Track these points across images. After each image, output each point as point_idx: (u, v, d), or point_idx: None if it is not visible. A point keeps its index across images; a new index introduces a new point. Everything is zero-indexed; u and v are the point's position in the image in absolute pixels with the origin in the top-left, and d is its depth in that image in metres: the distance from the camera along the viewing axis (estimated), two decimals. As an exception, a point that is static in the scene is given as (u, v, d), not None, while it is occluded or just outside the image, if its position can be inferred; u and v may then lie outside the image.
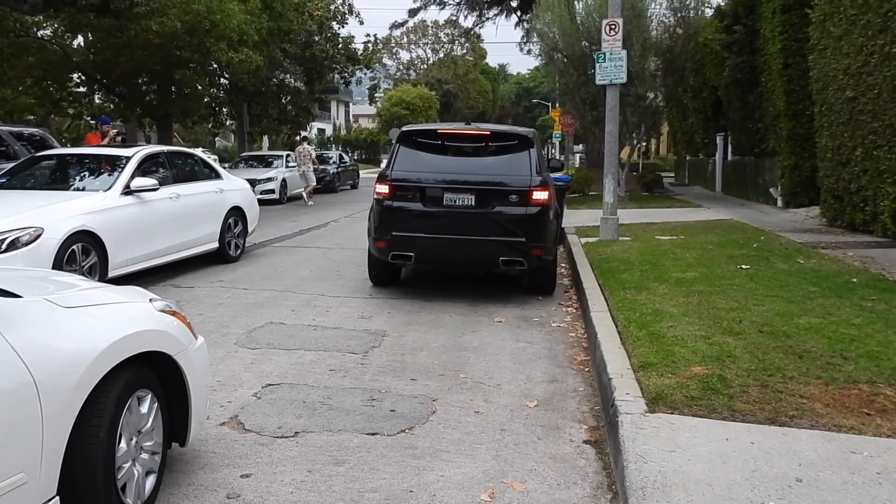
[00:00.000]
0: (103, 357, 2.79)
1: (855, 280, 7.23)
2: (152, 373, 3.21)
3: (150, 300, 3.45)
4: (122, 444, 2.92)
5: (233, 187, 10.71)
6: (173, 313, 3.47)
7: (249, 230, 10.97)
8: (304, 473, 3.56)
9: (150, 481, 3.17)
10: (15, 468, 2.40)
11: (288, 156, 24.46)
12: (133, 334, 3.01)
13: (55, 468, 2.58)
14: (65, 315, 2.82)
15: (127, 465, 2.96)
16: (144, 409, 3.13)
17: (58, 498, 2.60)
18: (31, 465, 2.47)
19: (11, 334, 2.49)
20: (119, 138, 13.86)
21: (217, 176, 10.58)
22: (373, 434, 4.05)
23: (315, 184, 22.60)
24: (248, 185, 11.45)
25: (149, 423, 3.16)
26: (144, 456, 3.14)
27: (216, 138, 50.40)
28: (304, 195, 21.46)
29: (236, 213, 10.49)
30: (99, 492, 2.76)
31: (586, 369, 5.37)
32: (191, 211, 9.35)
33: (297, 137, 30.44)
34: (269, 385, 4.86)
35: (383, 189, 7.69)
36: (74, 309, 2.91)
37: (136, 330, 3.06)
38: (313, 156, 23.16)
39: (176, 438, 3.48)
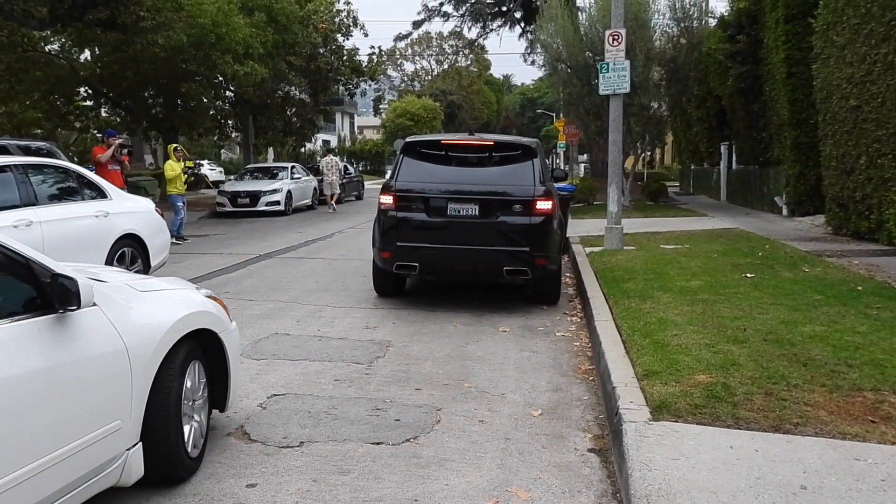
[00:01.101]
0: (171, 331, 3.46)
1: (860, 288, 7.23)
2: (200, 348, 3.83)
3: (197, 288, 4.12)
4: (183, 404, 3.56)
5: (125, 209, 8.49)
6: (215, 299, 4.13)
7: (153, 263, 8.77)
8: (309, 483, 3.57)
9: (200, 441, 3.79)
10: (114, 416, 3.07)
11: (293, 167, 24.54)
12: (190, 314, 3.69)
13: (139, 419, 3.24)
14: (141, 297, 3.50)
15: (186, 423, 3.60)
16: (196, 377, 3.80)
17: (141, 444, 3.26)
18: (124, 414, 3.13)
19: (109, 310, 3.15)
20: (124, 151, 13.91)
21: (101, 195, 8.32)
22: (378, 443, 4.06)
23: (338, 192, 24.56)
24: (151, 206, 9.20)
25: (200, 391, 3.85)
26: (196, 417, 3.76)
27: (222, 150, 50.64)
28: (331, 203, 23.58)
29: (131, 242, 8.40)
30: (170, 440, 3.42)
31: (591, 378, 5.37)
32: (53, 242, 7.08)
33: (316, 149, 31.31)
34: (275, 395, 4.88)
35: (387, 200, 7.72)
36: (147, 293, 3.59)
37: (192, 311, 3.73)
38: (340, 166, 25.64)
39: (216, 406, 4.11)
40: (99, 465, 3.00)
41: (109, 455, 3.06)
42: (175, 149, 16.23)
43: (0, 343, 2.58)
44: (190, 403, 3.69)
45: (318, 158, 37.70)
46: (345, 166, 31.13)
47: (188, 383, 3.65)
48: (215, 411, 4.17)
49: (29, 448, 2.60)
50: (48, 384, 2.72)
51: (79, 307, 2.90)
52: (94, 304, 3.04)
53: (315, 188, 25.17)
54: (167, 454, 3.43)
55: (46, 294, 2.85)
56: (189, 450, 3.61)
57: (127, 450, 3.17)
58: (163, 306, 3.57)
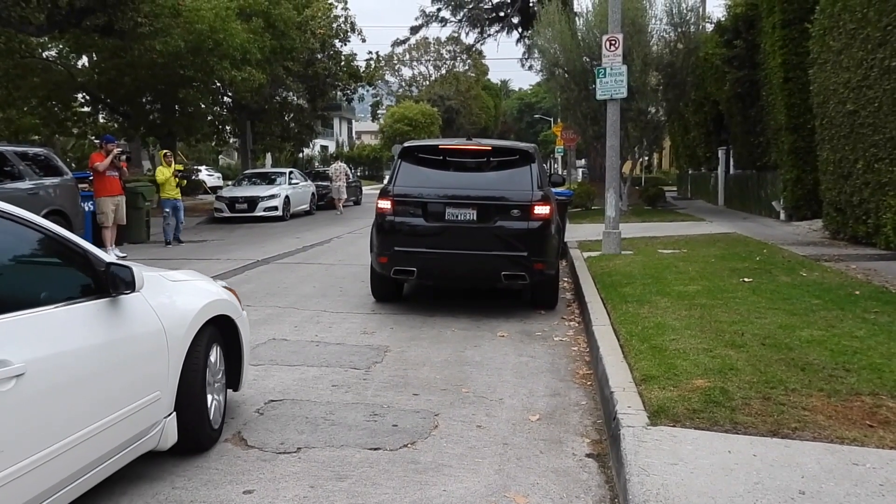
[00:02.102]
0: (198, 316, 3.96)
1: (857, 292, 7.23)
2: (219, 333, 4.29)
3: (214, 279, 4.63)
4: (208, 380, 4.06)
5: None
6: (229, 289, 4.59)
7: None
8: (306, 489, 3.56)
9: (220, 416, 4.26)
10: (155, 388, 3.56)
11: (291, 173, 24.56)
12: (212, 302, 4.17)
13: (173, 392, 3.72)
14: (172, 286, 3.98)
15: (209, 397, 4.08)
16: (216, 358, 4.25)
17: (175, 413, 3.74)
18: (162, 386, 3.62)
19: (149, 297, 3.63)
20: (123, 157, 13.91)
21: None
22: (375, 449, 4.05)
23: (345, 196, 26.32)
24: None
25: (219, 371, 4.32)
26: (216, 395, 4.21)
27: (220, 156, 50.67)
28: (339, 206, 25.28)
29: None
30: (198, 412, 3.92)
31: (588, 383, 5.37)
32: None
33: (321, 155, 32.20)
34: (272, 401, 4.87)
35: (385, 204, 7.71)
36: (176, 283, 4.06)
37: (213, 299, 4.21)
38: (348, 172, 27.84)
39: (230, 385, 4.56)
40: (144, 429, 3.51)
41: (151, 421, 3.57)
42: (165, 154, 16.31)
43: (68, 321, 3.08)
44: (212, 381, 4.16)
45: (317, 163, 37.78)
46: (325, 172, 31.25)
47: (211, 363, 4.15)
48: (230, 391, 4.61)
49: (97, 409, 3.11)
50: (107, 356, 3.25)
51: (134, 291, 3.42)
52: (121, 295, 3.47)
53: (313, 193, 25.19)
54: (195, 424, 3.92)
55: (101, 281, 3.33)
56: (212, 422, 4.10)
57: (164, 418, 3.67)
58: (190, 295, 4.08)
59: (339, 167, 26.58)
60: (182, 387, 3.78)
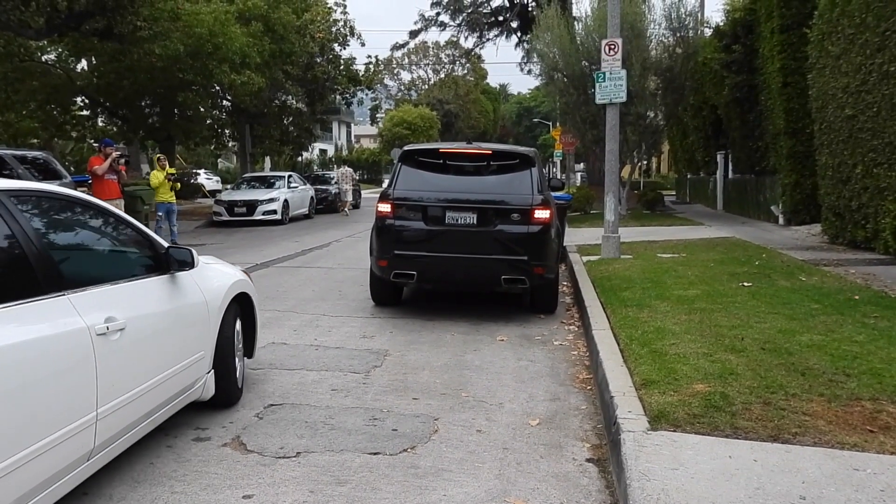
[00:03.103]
0: (228, 292, 4.80)
1: (857, 297, 7.23)
2: (240, 308, 5.10)
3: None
4: (235, 345, 4.93)
5: None
6: (245, 272, 5.42)
7: None
8: (306, 494, 3.54)
9: (241, 379, 5.05)
10: (200, 348, 4.39)
11: (290, 177, 24.57)
12: (236, 281, 5.02)
13: (212, 353, 4.56)
14: (207, 268, 4.78)
15: (236, 360, 4.91)
16: (239, 329, 5.09)
17: (213, 371, 4.59)
18: (205, 347, 4.47)
19: (193, 275, 4.45)
20: (122, 161, 13.92)
21: None
22: (375, 454, 4.04)
23: (351, 199, 27.61)
24: None
25: (240, 340, 5.10)
26: (238, 362, 4.97)
27: (219, 160, 50.67)
28: (345, 209, 26.62)
29: None
30: (229, 370, 4.77)
31: (588, 387, 5.36)
32: None
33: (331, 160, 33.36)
34: (272, 405, 4.86)
35: (385, 208, 7.71)
36: (209, 265, 4.87)
37: (238, 279, 5.07)
38: (354, 176, 29.65)
39: (246, 354, 5.30)
40: (192, 381, 4.33)
41: (197, 375, 4.39)
42: (158, 158, 16.36)
43: (145, 290, 3.96)
44: (237, 347, 4.98)
45: (315, 167, 37.77)
46: (331, 177, 31.29)
47: (236, 331, 4.96)
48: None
49: (167, 360, 3.97)
50: (172, 319, 4.09)
51: (193, 268, 4.32)
52: (177, 272, 4.31)
53: (312, 197, 25.20)
54: (227, 381, 4.76)
55: (161, 261, 4.20)
56: (237, 381, 4.91)
57: (206, 374, 4.51)
58: (221, 275, 4.94)
59: (345, 171, 28.31)
60: (217, 350, 4.63)
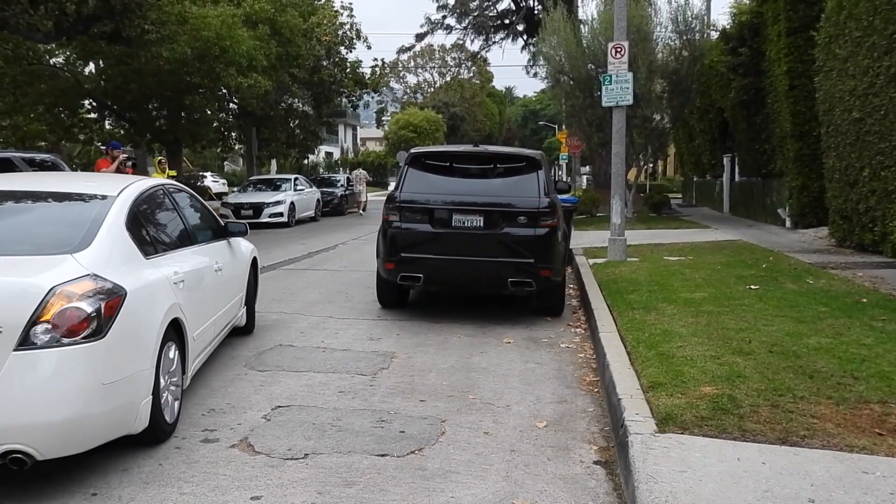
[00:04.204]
0: (250, 255, 7.00)
1: (865, 300, 7.21)
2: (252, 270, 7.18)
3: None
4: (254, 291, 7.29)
5: None
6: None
7: None
8: (314, 495, 3.56)
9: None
10: (241, 290, 6.54)
11: (296, 179, 24.61)
12: (252, 248, 7.20)
13: (244, 296, 6.66)
14: (235, 244, 6.57)
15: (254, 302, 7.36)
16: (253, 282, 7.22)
17: (245, 308, 6.75)
18: (242, 290, 6.60)
19: (233, 243, 6.49)
20: (129, 163, 13.97)
21: None
22: (382, 455, 4.05)
23: (365, 200, 29.41)
24: None
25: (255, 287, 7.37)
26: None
27: (225, 162, 50.76)
28: (361, 209, 28.56)
29: None
30: (252, 308, 7.09)
31: (595, 390, 5.36)
32: None
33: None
34: (279, 407, 4.87)
35: (392, 210, 7.72)
36: (235, 240, 6.60)
37: (252, 247, 7.20)
38: (367, 178, 31.88)
39: (252, 299, 7.23)
40: (235, 313, 6.40)
41: (238, 309, 6.52)
42: (159, 161, 16.44)
43: (220, 248, 6.05)
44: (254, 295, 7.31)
45: (321, 170, 37.92)
46: (347, 178, 31.33)
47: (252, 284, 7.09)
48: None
49: (231, 294, 6.16)
50: (230, 268, 6.12)
51: (245, 236, 6.68)
52: (232, 238, 6.51)
53: (318, 200, 25.21)
54: (251, 316, 7.06)
55: (223, 231, 6.34)
56: (254, 318, 7.20)
57: (242, 307, 6.66)
58: (244, 245, 6.96)
59: (359, 173, 30.56)
60: (247, 293, 6.80)
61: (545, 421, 4.66)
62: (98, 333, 3.59)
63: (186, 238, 5.38)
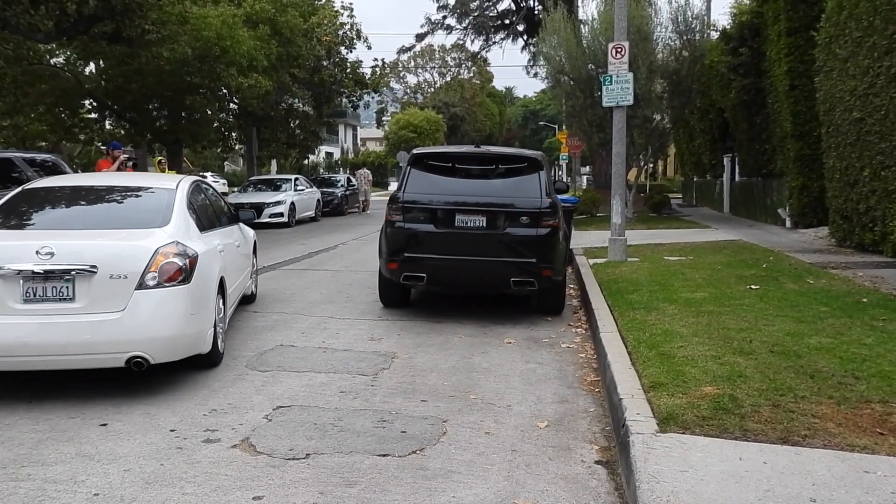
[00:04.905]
0: (252, 236, 8.74)
1: (865, 300, 7.22)
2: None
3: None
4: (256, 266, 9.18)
5: None
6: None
7: None
8: (315, 495, 3.56)
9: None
10: (249, 265, 8.25)
11: (296, 179, 24.60)
12: (253, 234, 8.92)
13: (252, 270, 8.55)
14: (244, 229, 8.27)
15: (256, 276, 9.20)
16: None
17: (253, 279, 8.71)
18: (250, 265, 8.41)
19: (243, 231, 8.20)
20: (129, 164, 13.97)
21: None
22: (384, 455, 4.05)
23: (367, 199, 30.54)
24: None
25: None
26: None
27: (225, 162, 50.75)
28: (364, 207, 29.86)
29: None
30: (256, 281, 9.01)
31: (596, 390, 5.36)
32: None
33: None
34: (280, 407, 4.87)
35: (395, 211, 7.76)
36: (243, 226, 8.23)
37: (254, 233, 8.97)
38: (370, 178, 32.91)
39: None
40: (247, 284, 7.99)
41: (249, 281, 8.09)
42: (159, 161, 16.44)
43: (233, 230, 7.54)
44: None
45: (321, 170, 37.96)
46: (347, 178, 31.32)
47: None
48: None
49: (244, 267, 7.72)
50: (242, 245, 7.66)
51: (251, 223, 8.80)
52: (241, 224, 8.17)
53: (318, 200, 25.20)
54: (255, 288, 8.80)
55: (236, 218, 7.98)
56: (256, 290, 8.95)
57: (252, 280, 8.40)
58: (248, 231, 8.54)
59: (363, 172, 31.67)
60: (252, 267, 8.51)
61: (546, 421, 4.66)
62: (186, 280, 5.26)
63: (217, 221, 7.04)
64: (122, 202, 6.20)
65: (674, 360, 5.10)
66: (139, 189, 6.34)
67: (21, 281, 4.89)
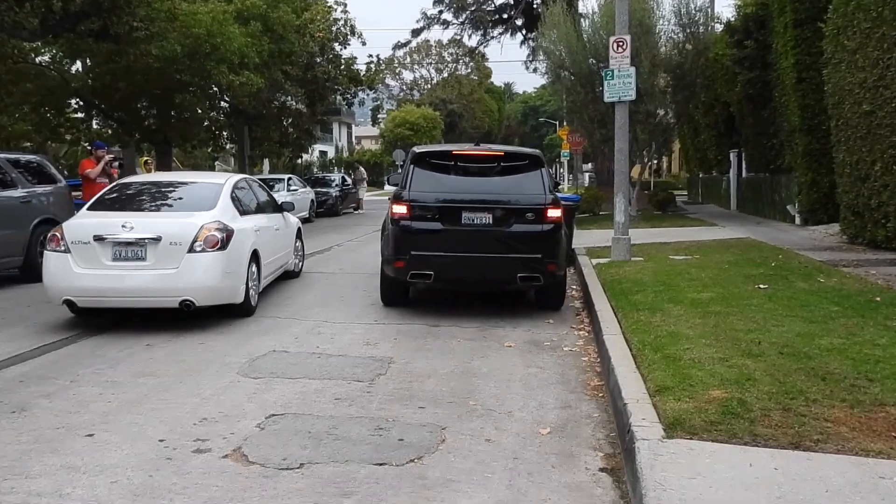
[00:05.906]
0: (295, 227, 10.82)
1: (878, 299, 7.09)
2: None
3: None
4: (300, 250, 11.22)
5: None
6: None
7: None
8: (309, 507, 3.43)
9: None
10: (291, 246, 10.41)
11: (290, 179, 24.44)
12: (297, 221, 11.14)
13: (293, 249, 10.57)
14: (287, 217, 10.45)
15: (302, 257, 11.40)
16: (297, 244, 10.95)
17: (293, 259, 10.60)
18: (292, 246, 10.50)
19: (286, 219, 10.41)
20: (115, 164, 13.77)
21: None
22: (381, 464, 3.93)
23: (363, 198, 31.38)
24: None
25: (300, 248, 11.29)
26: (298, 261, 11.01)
27: (216, 162, 50.36)
28: (360, 206, 30.37)
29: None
30: (298, 262, 10.97)
31: (600, 394, 5.24)
32: None
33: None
34: (273, 415, 4.74)
35: (401, 209, 7.79)
36: (287, 215, 10.49)
37: (298, 221, 11.24)
38: (366, 177, 34.92)
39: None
40: (287, 260, 10.11)
41: (288, 258, 10.21)
42: (145, 162, 16.31)
43: (275, 218, 9.71)
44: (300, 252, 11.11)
45: (315, 169, 38.07)
46: (342, 177, 31.17)
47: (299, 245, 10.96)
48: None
49: (286, 245, 10.16)
50: (283, 229, 10.01)
51: (293, 211, 11.13)
52: (285, 213, 10.35)
53: (312, 200, 24.95)
54: (298, 266, 10.91)
55: (280, 208, 10.27)
56: (301, 268, 11.16)
57: (293, 258, 10.50)
58: (293, 219, 10.73)
59: (362, 172, 33.23)
60: (295, 248, 10.48)
61: (549, 427, 4.54)
62: (223, 248, 7.29)
63: (259, 209, 9.17)
64: (182, 192, 8.48)
65: (680, 363, 4.98)
66: (195, 184, 8.88)
67: (112, 245, 7.10)
